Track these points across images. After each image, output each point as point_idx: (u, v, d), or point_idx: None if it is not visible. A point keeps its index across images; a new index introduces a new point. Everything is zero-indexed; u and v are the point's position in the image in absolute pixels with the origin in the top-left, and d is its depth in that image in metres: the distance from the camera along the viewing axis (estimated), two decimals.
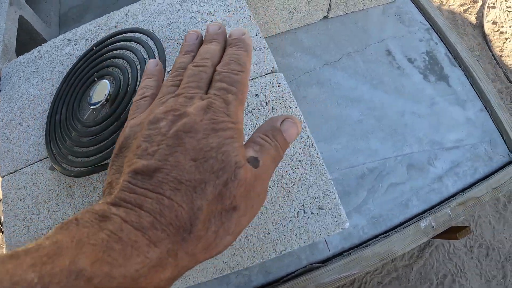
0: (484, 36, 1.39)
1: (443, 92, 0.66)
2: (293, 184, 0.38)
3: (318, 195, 0.38)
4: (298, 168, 0.38)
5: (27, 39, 0.76)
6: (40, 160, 0.44)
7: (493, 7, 1.47)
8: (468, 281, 0.98)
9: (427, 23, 0.71)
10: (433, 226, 0.57)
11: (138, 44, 0.41)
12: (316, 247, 0.55)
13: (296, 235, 0.37)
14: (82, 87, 0.43)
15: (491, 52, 1.35)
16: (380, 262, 0.54)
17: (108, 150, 0.36)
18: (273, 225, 0.37)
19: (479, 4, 1.48)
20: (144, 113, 0.22)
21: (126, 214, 0.16)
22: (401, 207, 0.57)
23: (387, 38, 0.65)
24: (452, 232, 0.67)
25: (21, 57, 0.52)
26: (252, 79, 0.41)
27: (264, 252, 0.37)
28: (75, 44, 0.49)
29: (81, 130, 0.39)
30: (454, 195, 0.59)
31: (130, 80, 0.38)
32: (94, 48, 0.45)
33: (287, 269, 0.54)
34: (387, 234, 0.55)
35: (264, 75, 0.42)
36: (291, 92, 0.41)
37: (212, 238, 0.18)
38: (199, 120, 0.19)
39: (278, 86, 0.41)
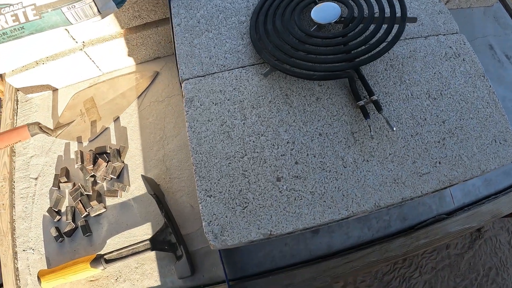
0: None
1: None
2: (486, 119, 0.46)
3: (502, 130, 0.46)
4: (487, 108, 0.47)
5: None
6: (243, 67, 0.46)
7: None
8: (509, 276, 1.09)
9: None
10: None
11: None
12: (444, 200, 0.63)
13: (492, 158, 0.45)
14: (298, 5, 0.48)
15: None
16: (491, 218, 0.63)
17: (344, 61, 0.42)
18: (476, 148, 0.44)
19: None
20: None
21: None
22: (504, 175, 0.67)
23: (489, 35, 0.79)
24: None
25: None
26: (445, 35, 0.51)
27: (472, 170, 0.44)
28: None
29: (308, 39, 0.44)
30: None
31: (366, 9, 0.45)
32: None
33: (420, 217, 0.61)
34: (497, 195, 0.65)
35: (452, 34, 0.51)
36: (474, 51, 0.50)
37: None
38: None
39: (464, 44, 0.51)
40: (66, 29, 0.59)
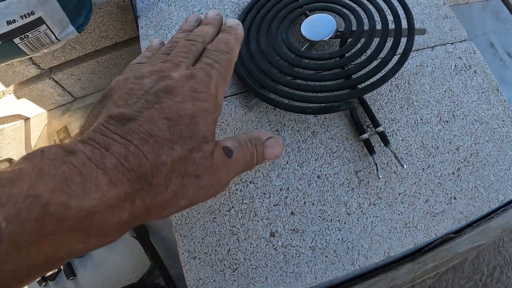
0: None
1: None
2: (502, 141, 0.41)
3: None
4: (503, 127, 0.41)
5: None
6: (224, 98, 0.40)
7: None
8: None
9: None
10: None
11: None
12: None
13: (510, 185, 0.40)
14: (285, 18, 0.41)
15: None
16: (501, 233, 0.59)
17: (343, 89, 0.35)
18: (494, 176, 0.39)
19: None
20: (132, 71, 0.23)
21: (92, 153, 0.17)
22: None
23: (489, 32, 0.73)
24: None
25: None
26: (452, 43, 0.44)
27: (490, 202, 0.39)
28: None
29: (299, 62, 0.37)
30: None
31: (366, 19, 0.38)
32: None
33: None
34: (505, 208, 0.60)
35: (461, 41, 0.45)
36: (485, 60, 0.44)
37: (170, 197, 0.19)
38: (180, 85, 0.20)
39: (474, 53, 0.44)
40: (30, 58, 0.51)
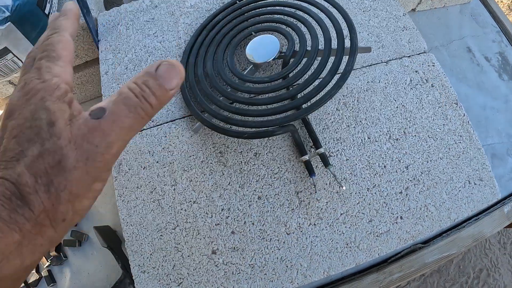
0: None
1: None
2: (459, 157, 0.40)
3: (478, 168, 0.40)
4: (460, 142, 0.40)
5: None
6: (172, 121, 0.41)
7: None
8: (501, 276, 1.04)
9: (497, 26, 0.77)
10: None
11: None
12: None
13: (465, 203, 0.39)
14: (231, 41, 0.42)
15: None
16: (473, 243, 0.57)
17: (286, 112, 0.36)
18: (446, 194, 0.38)
19: None
20: None
21: None
22: None
23: (466, 36, 0.70)
24: None
25: (126, 5, 0.49)
26: (409, 56, 0.43)
27: (441, 221, 0.38)
28: None
29: (240, 86, 0.38)
30: None
31: (309, 40, 0.38)
32: (238, 1, 0.45)
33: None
34: (478, 217, 0.58)
35: (419, 54, 0.44)
36: (444, 73, 0.43)
37: (51, 202, 0.18)
38: (15, 100, 0.20)
39: (433, 65, 0.43)
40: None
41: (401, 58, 0.43)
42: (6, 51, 0.42)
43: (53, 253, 0.58)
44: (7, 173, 0.18)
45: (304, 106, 0.36)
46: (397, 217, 0.37)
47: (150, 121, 0.41)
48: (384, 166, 0.38)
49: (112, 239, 0.56)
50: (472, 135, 0.41)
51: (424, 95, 0.41)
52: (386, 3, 0.46)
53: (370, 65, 0.42)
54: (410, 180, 0.38)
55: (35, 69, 0.21)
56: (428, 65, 0.43)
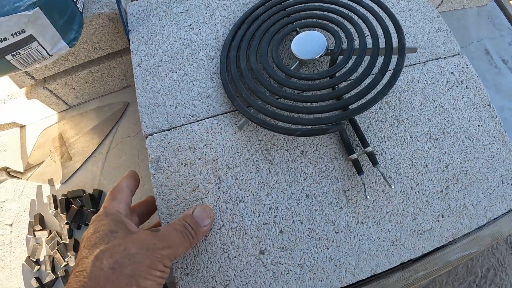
0: None
1: None
2: (493, 157, 0.41)
3: (510, 168, 0.41)
4: (494, 143, 0.42)
5: None
6: (214, 117, 0.40)
7: None
8: (508, 276, 1.09)
9: None
10: None
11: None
12: None
13: (499, 202, 0.40)
14: (275, 36, 0.41)
15: None
16: (492, 241, 0.60)
17: (337, 105, 0.36)
18: (482, 193, 0.40)
19: None
20: None
21: None
22: None
23: (484, 38, 0.72)
24: None
25: None
26: (445, 58, 0.44)
27: (478, 219, 0.39)
28: None
29: (288, 82, 0.37)
30: None
31: (356, 38, 0.38)
32: None
33: None
34: (497, 217, 0.61)
35: (453, 56, 0.44)
36: (477, 75, 0.44)
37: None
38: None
39: (467, 67, 0.44)
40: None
41: (437, 59, 0.44)
42: (31, 38, 0.39)
43: (71, 252, 0.55)
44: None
45: (353, 105, 0.36)
46: (439, 215, 0.38)
47: (190, 116, 0.40)
48: (426, 165, 0.39)
49: None
50: (504, 136, 0.42)
51: (460, 96, 0.42)
52: (421, 4, 0.47)
53: (409, 65, 0.43)
54: (450, 179, 0.39)
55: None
56: (463, 67, 0.44)
